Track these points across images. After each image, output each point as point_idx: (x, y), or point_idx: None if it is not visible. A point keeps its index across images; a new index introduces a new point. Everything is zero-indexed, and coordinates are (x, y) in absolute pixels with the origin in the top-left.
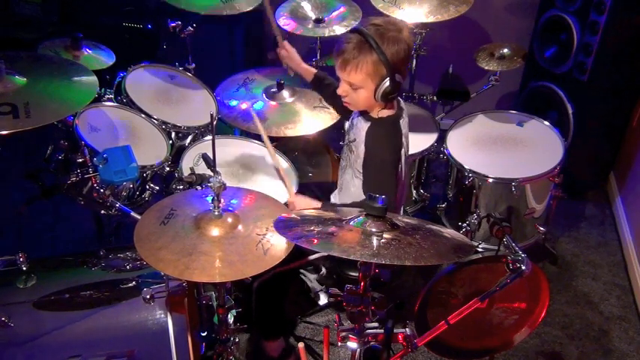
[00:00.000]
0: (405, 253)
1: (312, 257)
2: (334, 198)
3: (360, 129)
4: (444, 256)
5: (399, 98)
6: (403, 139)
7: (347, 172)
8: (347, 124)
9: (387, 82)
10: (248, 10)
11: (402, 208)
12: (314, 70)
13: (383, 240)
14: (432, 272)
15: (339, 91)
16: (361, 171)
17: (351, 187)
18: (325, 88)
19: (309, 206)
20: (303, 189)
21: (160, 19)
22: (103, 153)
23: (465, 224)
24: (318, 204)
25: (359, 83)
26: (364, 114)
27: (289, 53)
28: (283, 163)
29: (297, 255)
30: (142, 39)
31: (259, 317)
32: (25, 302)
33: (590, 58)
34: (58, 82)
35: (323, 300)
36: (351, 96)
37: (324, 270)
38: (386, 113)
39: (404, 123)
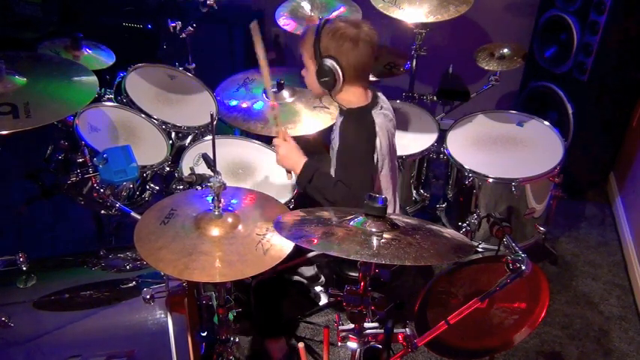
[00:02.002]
0: (405, 253)
1: (310, 254)
2: None
3: (337, 125)
4: (444, 256)
5: (377, 93)
6: (377, 129)
7: (332, 170)
8: None
9: (317, 66)
10: None
11: (395, 206)
12: None
13: (383, 240)
14: (432, 272)
15: (303, 71)
16: None
17: None
18: None
19: (293, 162)
20: None
21: (160, 19)
22: (103, 153)
23: (465, 224)
24: (302, 160)
25: (305, 61)
26: (341, 110)
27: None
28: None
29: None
30: (142, 39)
31: (259, 316)
32: (25, 302)
33: (590, 58)
34: (58, 82)
35: (323, 300)
36: (305, 76)
37: (323, 279)
38: (356, 104)
39: (378, 113)
